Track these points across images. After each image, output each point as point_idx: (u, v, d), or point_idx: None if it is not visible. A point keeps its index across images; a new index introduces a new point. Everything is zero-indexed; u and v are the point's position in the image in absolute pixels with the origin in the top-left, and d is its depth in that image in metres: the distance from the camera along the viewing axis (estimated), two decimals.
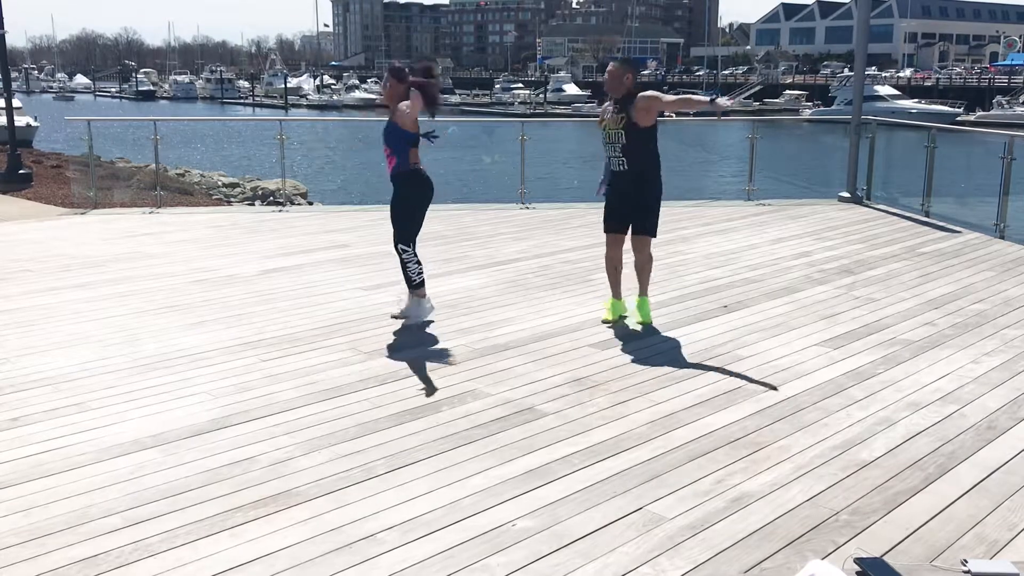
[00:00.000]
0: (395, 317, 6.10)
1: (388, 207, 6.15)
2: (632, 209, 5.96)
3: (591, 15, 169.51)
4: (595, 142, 6.20)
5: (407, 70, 5.97)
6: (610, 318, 6.05)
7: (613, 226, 6.06)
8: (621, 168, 5.88)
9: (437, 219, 10.02)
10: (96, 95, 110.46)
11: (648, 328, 5.92)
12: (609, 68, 6.00)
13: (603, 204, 6.13)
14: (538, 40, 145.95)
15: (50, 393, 4.66)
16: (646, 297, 6.07)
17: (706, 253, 8.33)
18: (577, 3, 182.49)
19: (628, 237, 6.04)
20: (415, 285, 6.05)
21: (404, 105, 5.78)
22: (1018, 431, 4.25)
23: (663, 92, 6.26)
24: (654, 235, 5.99)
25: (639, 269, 6.04)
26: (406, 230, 6.01)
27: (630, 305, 6.15)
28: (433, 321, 6.05)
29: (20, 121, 18.72)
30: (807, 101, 66.71)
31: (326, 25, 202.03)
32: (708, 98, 5.73)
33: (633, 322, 6.03)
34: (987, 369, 5.13)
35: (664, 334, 5.80)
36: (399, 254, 6.03)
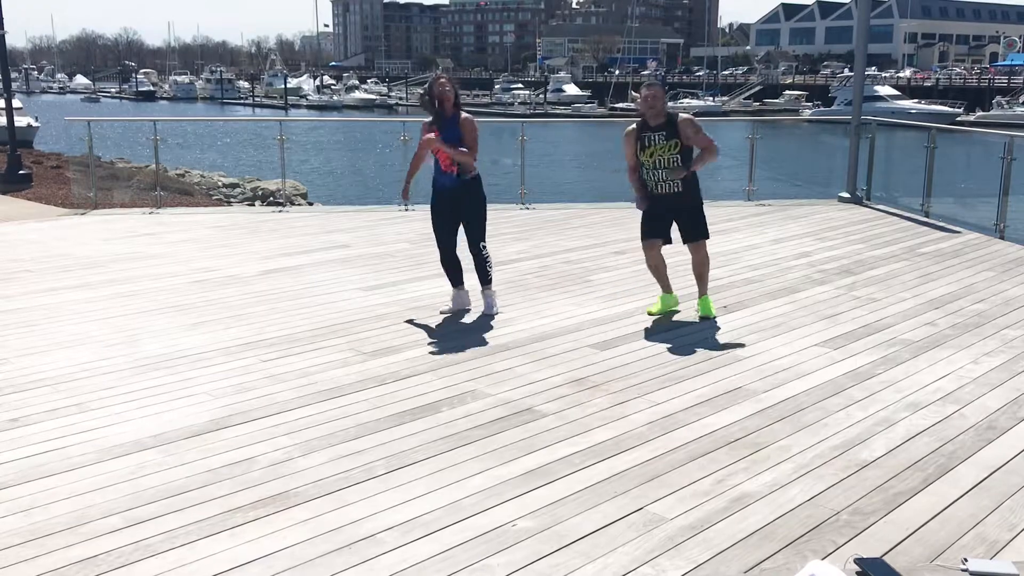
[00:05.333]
0: (443, 313, 6.24)
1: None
2: (687, 222, 6.20)
3: (591, 15, 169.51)
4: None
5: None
6: (656, 311, 6.24)
7: (657, 232, 6.22)
8: (677, 190, 6.08)
9: None
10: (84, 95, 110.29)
11: (648, 328, 5.92)
12: (654, 92, 6.05)
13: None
14: (538, 40, 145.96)
15: (50, 393, 4.66)
16: (707, 296, 6.34)
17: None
18: (577, 3, 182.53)
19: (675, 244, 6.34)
20: (491, 280, 6.31)
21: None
22: (1018, 431, 4.25)
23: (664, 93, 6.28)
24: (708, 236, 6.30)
25: (702, 269, 6.29)
26: (484, 229, 6.24)
27: (674, 301, 6.41)
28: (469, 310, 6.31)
29: (20, 121, 18.73)
30: (807, 101, 66.65)
31: (326, 25, 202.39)
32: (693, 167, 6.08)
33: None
34: (987, 369, 5.12)
35: (663, 334, 5.80)
36: (482, 251, 6.21)
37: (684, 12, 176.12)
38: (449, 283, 6.34)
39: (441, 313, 6.25)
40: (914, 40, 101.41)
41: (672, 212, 6.19)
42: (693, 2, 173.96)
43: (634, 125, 6.15)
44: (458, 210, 6.18)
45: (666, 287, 6.33)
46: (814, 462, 3.90)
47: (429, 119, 6.06)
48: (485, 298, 6.31)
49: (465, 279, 6.32)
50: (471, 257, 6.23)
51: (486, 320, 6.08)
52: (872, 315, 6.23)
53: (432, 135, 5.94)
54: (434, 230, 6.28)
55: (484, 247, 6.23)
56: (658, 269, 6.29)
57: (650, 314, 6.21)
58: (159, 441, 4.07)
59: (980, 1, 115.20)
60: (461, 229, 6.26)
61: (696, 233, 6.21)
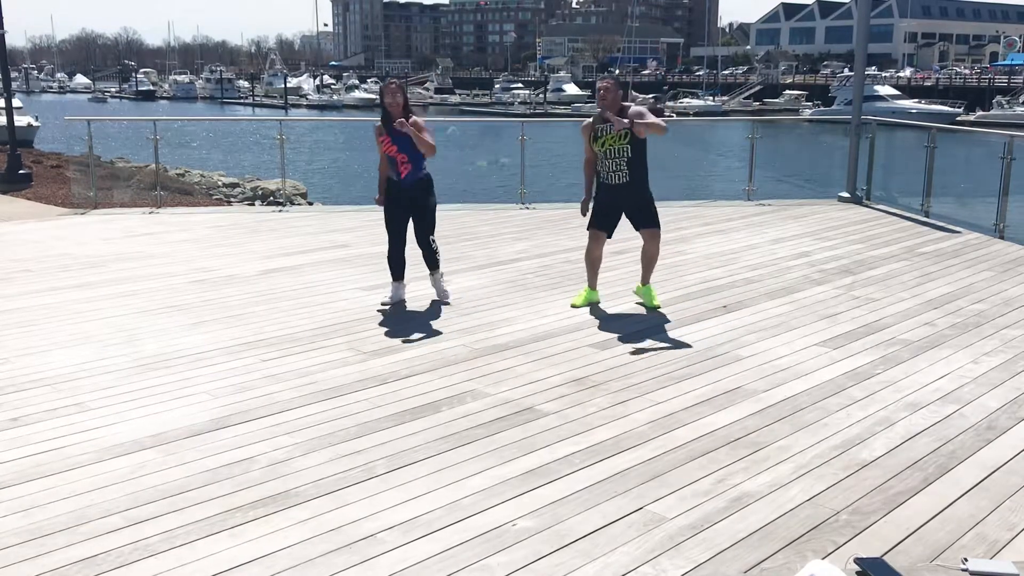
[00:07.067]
0: (384, 304, 6.46)
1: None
2: (640, 211, 6.38)
3: (591, 15, 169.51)
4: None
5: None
6: (580, 303, 6.46)
7: (604, 225, 6.46)
8: (625, 180, 6.26)
9: (437, 219, 10.02)
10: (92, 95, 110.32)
11: (648, 328, 5.93)
12: (606, 84, 6.28)
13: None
14: (538, 40, 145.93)
15: (50, 393, 4.66)
16: (650, 285, 6.54)
17: (706, 253, 8.33)
18: (577, 3, 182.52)
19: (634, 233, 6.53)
20: (439, 266, 6.64)
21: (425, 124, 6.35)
22: (1018, 431, 4.25)
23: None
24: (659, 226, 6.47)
25: (652, 259, 6.48)
26: (434, 224, 6.58)
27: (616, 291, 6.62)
28: (449, 303, 6.54)
29: (20, 121, 18.72)
30: (807, 101, 66.66)
31: (326, 25, 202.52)
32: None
33: (639, 307, 6.45)
34: (987, 369, 5.13)
35: (664, 334, 5.80)
36: (431, 244, 6.53)
37: (684, 12, 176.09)
38: (391, 276, 6.59)
39: (383, 305, 6.45)
40: (914, 40, 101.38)
41: (623, 206, 6.37)
42: (693, 2, 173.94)
43: (590, 119, 6.43)
44: (411, 207, 6.47)
45: (592, 283, 6.57)
46: (814, 462, 3.90)
47: (379, 123, 6.40)
48: (436, 284, 6.66)
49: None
50: (420, 250, 6.53)
51: (486, 320, 6.08)
52: (872, 315, 6.24)
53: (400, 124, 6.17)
54: (387, 226, 6.53)
55: (433, 240, 6.54)
56: (595, 262, 6.53)
57: (574, 307, 6.40)
58: (159, 441, 4.07)
59: (980, 1, 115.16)
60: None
61: (649, 221, 6.38)
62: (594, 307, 6.42)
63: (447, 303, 6.50)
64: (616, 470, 3.80)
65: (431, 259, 6.56)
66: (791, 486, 3.67)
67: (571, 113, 72.18)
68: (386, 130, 6.30)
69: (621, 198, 6.32)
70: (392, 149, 6.32)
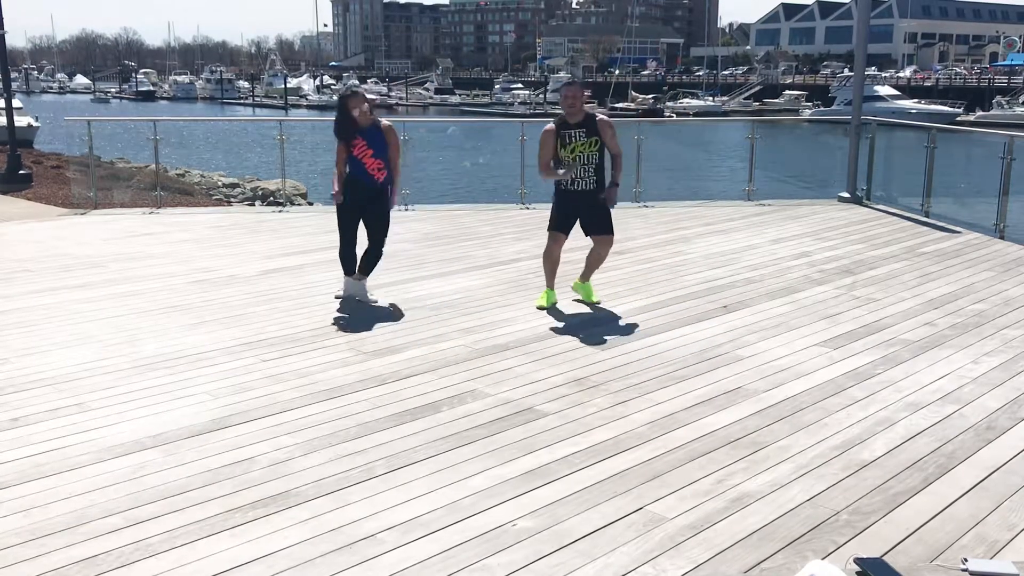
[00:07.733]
0: (338, 297, 6.65)
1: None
2: (597, 217, 6.40)
3: (591, 15, 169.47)
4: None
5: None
6: (545, 304, 6.42)
7: (565, 227, 6.49)
8: (591, 187, 6.31)
9: (437, 219, 10.03)
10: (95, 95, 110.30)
11: (648, 328, 5.92)
12: (574, 92, 6.32)
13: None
14: (538, 40, 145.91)
15: (50, 393, 4.66)
16: (589, 283, 6.61)
17: (706, 253, 8.33)
18: (577, 3, 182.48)
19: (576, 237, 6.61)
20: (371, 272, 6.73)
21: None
22: (1018, 431, 4.25)
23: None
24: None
25: (599, 262, 6.55)
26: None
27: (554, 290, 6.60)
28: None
29: (21, 121, 18.72)
30: (807, 101, 66.64)
31: (326, 25, 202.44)
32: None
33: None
34: (987, 369, 5.13)
35: (664, 334, 5.80)
36: (381, 251, 6.70)
37: (684, 12, 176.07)
38: (344, 272, 6.71)
39: (336, 297, 6.59)
40: (914, 40, 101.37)
41: (583, 209, 6.39)
42: (693, 2, 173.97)
43: (552, 124, 6.39)
44: (372, 208, 6.61)
45: (551, 283, 6.55)
46: (814, 462, 3.90)
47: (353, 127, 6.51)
48: (360, 287, 6.67)
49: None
50: (370, 252, 6.69)
51: (486, 320, 6.09)
52: (872, 315, 6.23)
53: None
54: (344, 225, 6.69)
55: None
56: (555, 262, 6.54)
57: (540, 308, 6.37)
58: (159, 441, 4.07)
59: (980, 1, 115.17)
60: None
61: (604, 227, 6.41)
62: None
63: (370, 301, 6.54)
64: (616, 470, 3.80)
65: (374, 263, 6.65)
66: (791, 486, 3.67)
67: None
68: (360, 134, 6.44)
69: (585, 203, 6.35)
70: (368, 153, 6.44)
